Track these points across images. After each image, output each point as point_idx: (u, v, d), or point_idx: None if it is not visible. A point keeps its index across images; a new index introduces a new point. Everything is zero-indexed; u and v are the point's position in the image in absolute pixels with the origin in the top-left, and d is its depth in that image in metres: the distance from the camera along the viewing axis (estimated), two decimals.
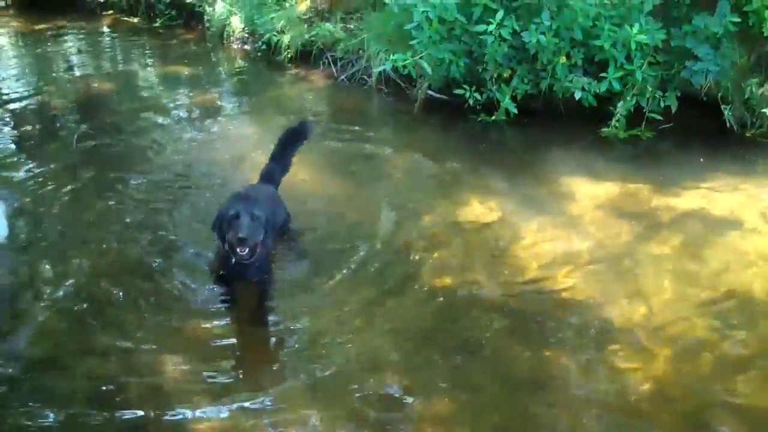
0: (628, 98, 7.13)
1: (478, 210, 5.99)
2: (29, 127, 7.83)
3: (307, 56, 9.39)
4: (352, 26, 9.23)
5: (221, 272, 4.94)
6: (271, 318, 4.84)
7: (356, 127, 7.81)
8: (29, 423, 3.91)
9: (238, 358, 4.52)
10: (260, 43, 9.90)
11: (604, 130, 7.19)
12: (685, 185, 6.27)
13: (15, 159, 7.03)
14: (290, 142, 5.71)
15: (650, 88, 7.15)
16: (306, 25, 9.51)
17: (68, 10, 12.43)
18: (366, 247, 5.47)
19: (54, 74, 9.71)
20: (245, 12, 10.12)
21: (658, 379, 4.22)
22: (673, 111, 7.17)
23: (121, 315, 4.75)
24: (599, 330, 4.61)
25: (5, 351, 4.44)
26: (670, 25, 7.18)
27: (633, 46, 6.90)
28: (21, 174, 6.62)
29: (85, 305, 4.83)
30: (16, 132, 7.67)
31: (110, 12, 12.28)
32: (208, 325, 4.63)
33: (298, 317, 4.74)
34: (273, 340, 4.77)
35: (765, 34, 6.86)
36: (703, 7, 7.15)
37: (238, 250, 4.57)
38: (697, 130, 7.20)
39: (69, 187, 6.32)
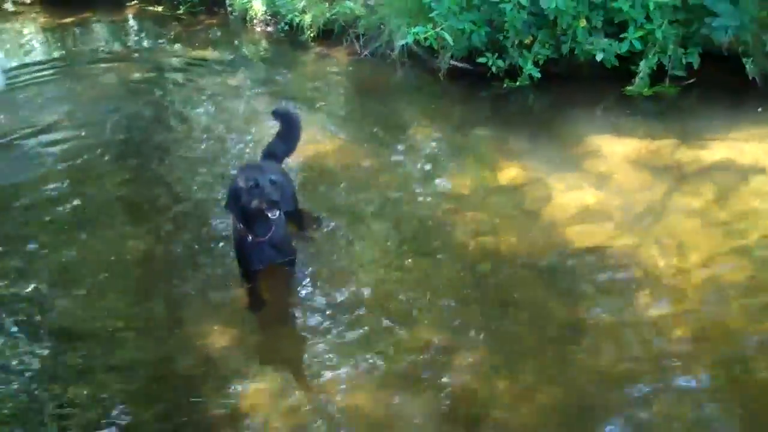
0: (650, 56, 7.13)
1: (507, 173, 6.09)
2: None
3: (329, 34, 9.49)
4: (372, 2, 9.29)
5: (247, 266, 4.83)
6: (304, 291, 4.93)
7: (382, 100, 7.95)
8: None
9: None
10: (282, 24, 10.01)
11: (628, 88, 7.18)
12: (710, 138, 6.28)
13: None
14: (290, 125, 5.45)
15: (671, 46, 7.16)
16: (327, 4, 9.60)
17: (92, 3, 12.60)
18: (397, 213, 5.65)
19: (82, 65, 9.90)
20: None
21: (693, 322, 4.33)
22: (696, 67, 7.19)
23: None
24: (632, 279, 4.71)
25: None
26: None
27: (651, 7, 6.90)
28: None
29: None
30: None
31: (134, 2, 12.46)
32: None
33: (333, 287, 4.90)
34: (308, 311, 4.81)
35: None
36: None
37: (269, 215, 4.36)
38: (720, 85, 7.15)
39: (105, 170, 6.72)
